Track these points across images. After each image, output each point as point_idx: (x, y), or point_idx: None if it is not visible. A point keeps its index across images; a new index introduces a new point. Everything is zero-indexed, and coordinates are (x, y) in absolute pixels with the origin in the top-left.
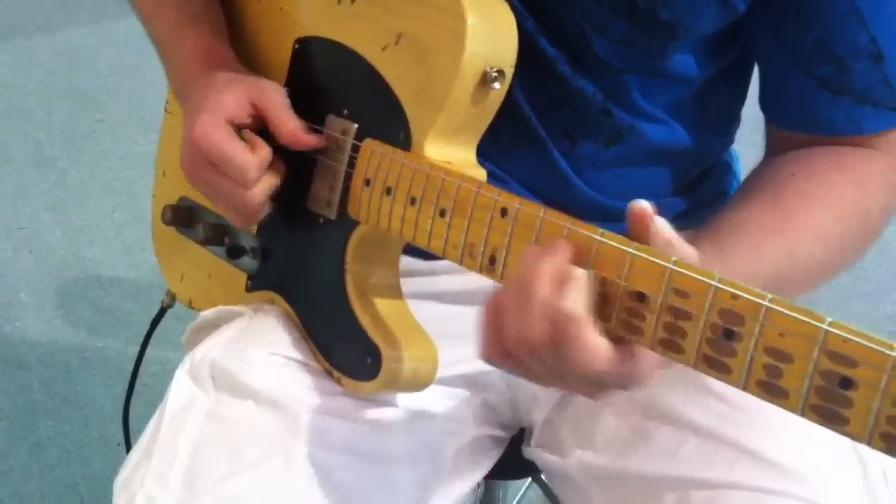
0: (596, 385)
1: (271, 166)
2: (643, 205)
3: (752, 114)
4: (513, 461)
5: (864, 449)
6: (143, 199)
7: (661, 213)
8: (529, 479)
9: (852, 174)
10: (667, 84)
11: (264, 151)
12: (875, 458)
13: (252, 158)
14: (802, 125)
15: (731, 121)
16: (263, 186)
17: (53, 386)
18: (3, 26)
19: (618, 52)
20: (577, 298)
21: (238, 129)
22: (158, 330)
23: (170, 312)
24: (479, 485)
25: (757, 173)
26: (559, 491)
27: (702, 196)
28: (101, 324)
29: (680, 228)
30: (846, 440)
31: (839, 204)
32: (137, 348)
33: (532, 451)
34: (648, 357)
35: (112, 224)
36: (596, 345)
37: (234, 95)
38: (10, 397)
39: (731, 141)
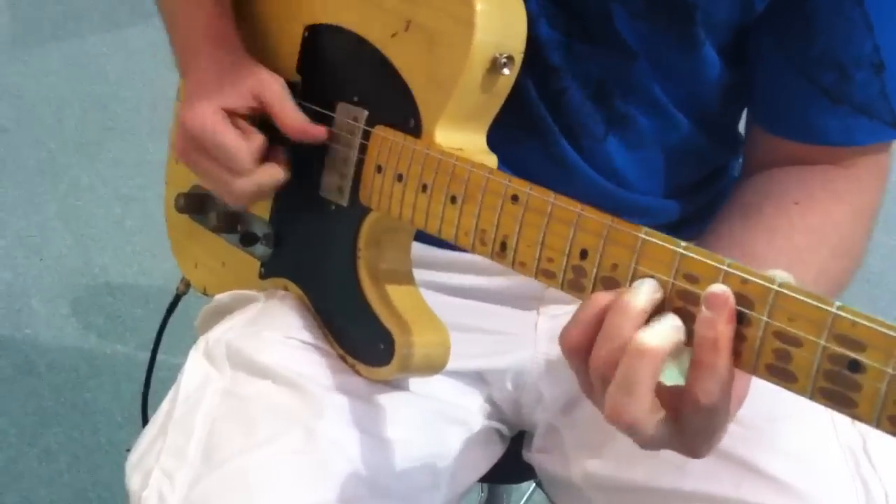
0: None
1: (273, 158)
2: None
3: None
4: (514, 463)
5: (866, 471)
6: (153, 206)
7: (675, 203)
8: (534, 484)
9: (848, 205)
10: (680, 79)
11: (258, 140)
12: (877, 480)
13: (245, 145)
14: (795, 132)
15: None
16: (260, 176)
17: (63, 392)
18: (14, 34)
19: (638, 28)
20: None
21: (234, 118)
22: (170, 337)
23: (184, 318)
24: (482, 489)
25: (753, 192)
26: (559, 498)
27: (720, 190)
28: (110, 330)
29: (694, 226)
30: (849, 462)
31: (839, 238)
32: (147, 355)
33: (532, 456)
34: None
35: (122, 231)
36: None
37: (234, 86)
38: (19, 403)
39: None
